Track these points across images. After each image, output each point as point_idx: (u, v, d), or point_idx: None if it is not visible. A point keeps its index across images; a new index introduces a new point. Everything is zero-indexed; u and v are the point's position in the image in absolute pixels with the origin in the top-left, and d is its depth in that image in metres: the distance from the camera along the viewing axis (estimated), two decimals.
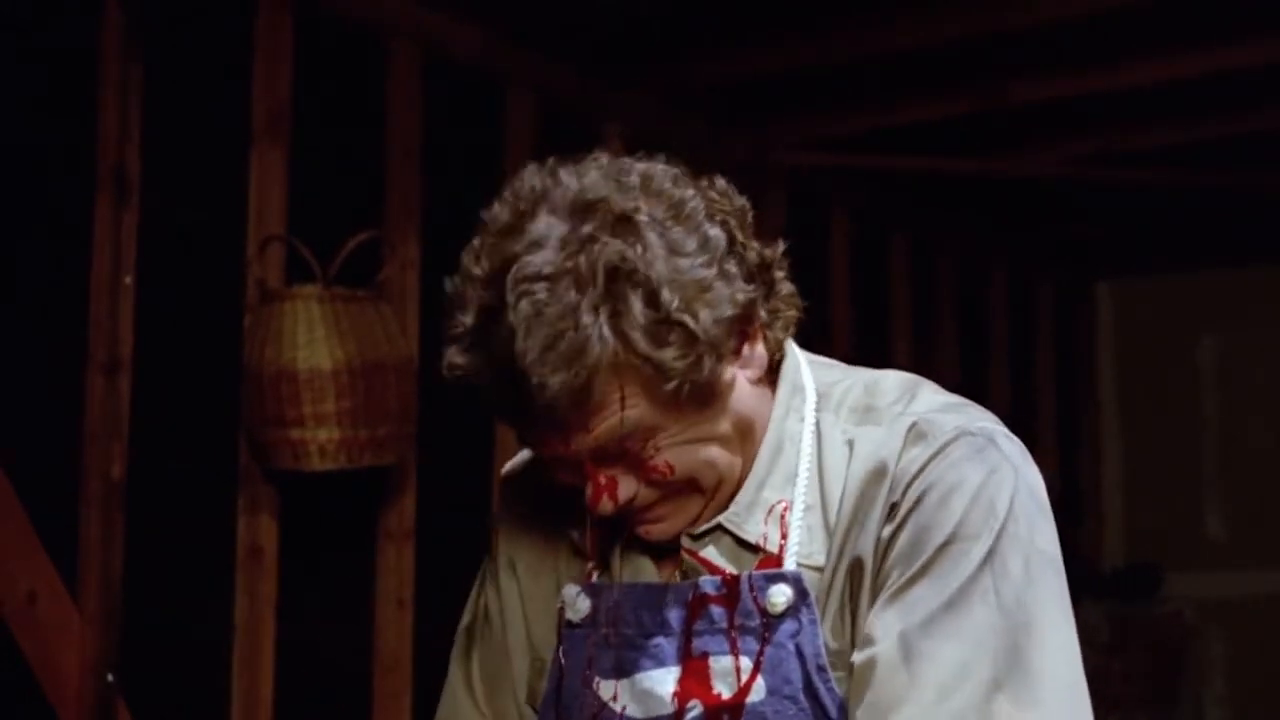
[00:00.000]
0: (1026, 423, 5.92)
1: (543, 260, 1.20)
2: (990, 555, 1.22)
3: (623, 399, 1.21)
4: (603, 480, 1.26)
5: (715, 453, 1.28)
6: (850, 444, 1.31)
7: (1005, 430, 1.30)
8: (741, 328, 1.27)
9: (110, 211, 2.80)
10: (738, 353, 1.29)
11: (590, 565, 1.39)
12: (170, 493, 2.93)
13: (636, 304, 1.19)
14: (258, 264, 3.05)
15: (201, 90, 3.04)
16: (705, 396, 1.25)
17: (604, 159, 1.29)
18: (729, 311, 1.24)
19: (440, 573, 3.41)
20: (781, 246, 1.33)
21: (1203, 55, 3.80)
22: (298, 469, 2.94)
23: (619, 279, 1.19)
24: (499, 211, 1.29)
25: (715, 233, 1.25)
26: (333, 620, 3.28)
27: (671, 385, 1.21)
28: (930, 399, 1.33)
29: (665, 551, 1.35)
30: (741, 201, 1.32)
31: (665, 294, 1.19)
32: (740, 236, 1.28)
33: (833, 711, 1.25)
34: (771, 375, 1.35)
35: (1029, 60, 3.95)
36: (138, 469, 2.83)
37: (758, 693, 1.26)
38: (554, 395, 1.18)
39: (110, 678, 2.76)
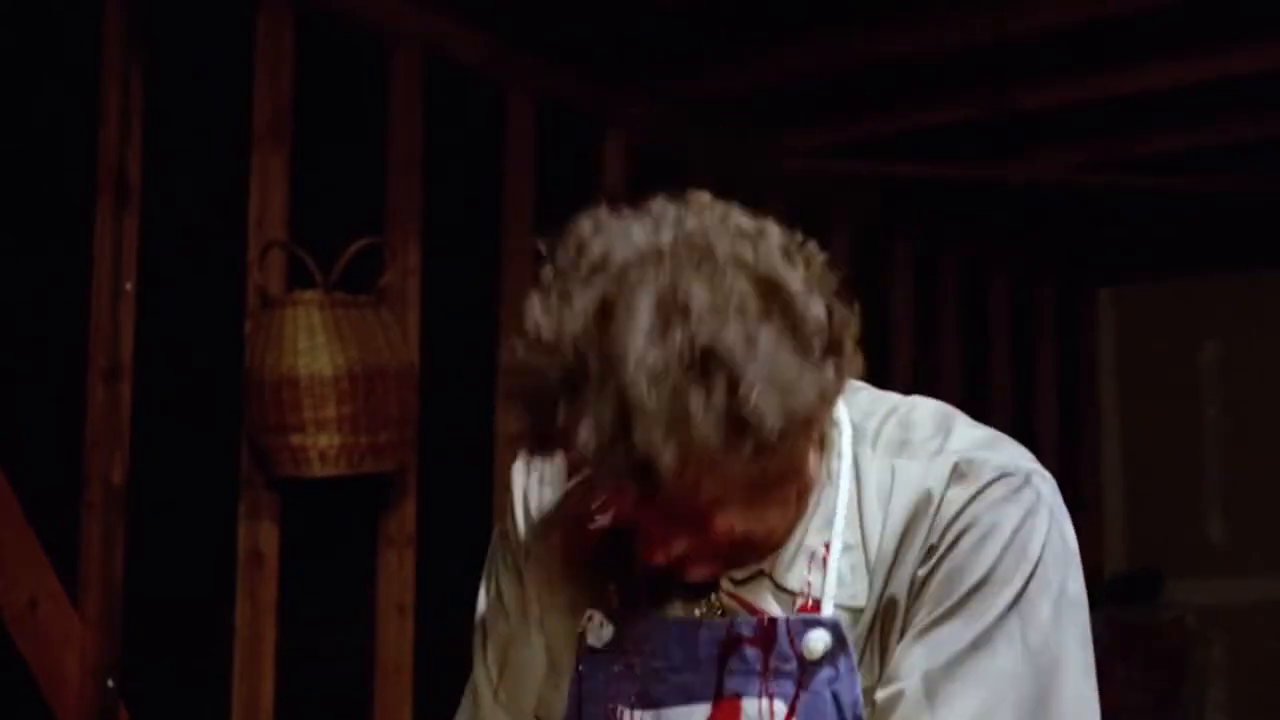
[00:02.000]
0: (1028, 428, 5.92)
1: (647, 348, 1.10)
2: (1019, 599, 1.21)
3: (700, 477, 1.14)
4: (658, 537, 1.23)
5: (774, 513, 1.26)
6: (889, 477, 1.29)
7: (1040, 468, 1.29)
8: (820, 413, 1.21)
9: (111, 217, 2.80)
10: (812, 434, 1.24)
11: (610, 588, 1.36)
12: (171, 498, 2.93)
13: (720, 392, 1.11)
14: (259, 270, 3.05)
15: (202, 95, 3.04)
16: (780, 476, 1.22)
17: (693, 203, 1.21)
18: (803, 407, 1.16)
19: (441, 579, 3.41)
20: (856, 309, 1.25)
21: (1206, 61, 3.80)
22: (299, 475, 2.94)
23: (710, 364, 1.11)
24: (575, 284, 1.16)
25: (815, 313, 1.18)
26: (333, 626, 3.28)
27: (745, 472, 1.15)
28: (967, 434, 1.31)
29: (698, 585, 1.32)
30: (829, 269, 1.24)
31: (743, 387, 1.11)
32: (835, 316, 1.21)
33: None
34: None
35: (1033, 67, 3.95)
36: (139, 475, 2.83)
37: None
38: (666, 479, 1.11)
39: (111, 683, 2.76)
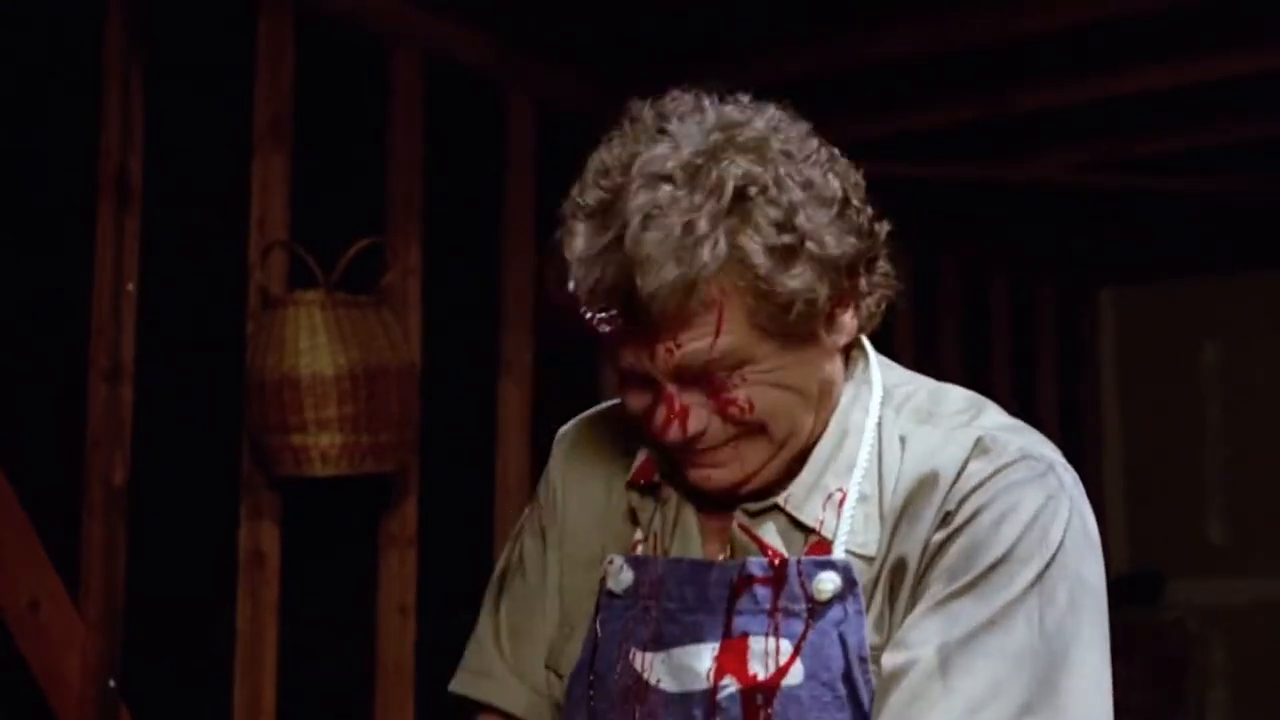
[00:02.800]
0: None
1: (674, 160, 1.21)
2: (1038, 580, 1.23)
3: (720, 318, 1.21)
4: (677, 406, 1.26)
5: (795, 403, 1.28)
6: (903, 441, 1.31)
7: (1064, 460, 1.31)
8: (849, 276, 1.28)
9: (112, 218, 2.80)
10: (834, 310, 1.29)
11: (636, 537, 1.39)
12: (172, 499, 2.93)
13: (765, 221, 1.20)
14: (260, 270, 3.05)
15: (204, 96, 3.04)
16: (802, 336, 1.26)
17: (745, 98, 1.33)
18: (852, 250, 1.26)
19: (442, 579, 3.41)
20: (887, 226, 1.34)
21: (1206, 62, 3.80)
22: (300, 475, 2.94)
23: (747, 197, 1.20)
24: (642, 111, 1.30)
25: (835, 184, 1.27)
26: (335, 626, 3.28)
27: (779, 307, 1.21)
28: (996, 418, 1.34)
29: (713, 529, 1.36)
30: (858, 176, 1.34)
31: (799, 218, 1.21)
32: (855, 200, 1.30)
33: (867, 704, 1.25)
34: (845, 361, 1.37)
35: (1033, 67, 3.95)
36: (140, 475, 2.83)
37: (795, 676, 1.27)
38: (656, 290, 1.17)
39: (112, 684, 2.76)
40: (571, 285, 1.22)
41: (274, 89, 3.12)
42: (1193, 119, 4.34)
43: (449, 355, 3.50)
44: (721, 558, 1.34)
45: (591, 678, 1.37)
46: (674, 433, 1.27)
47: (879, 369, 1.38)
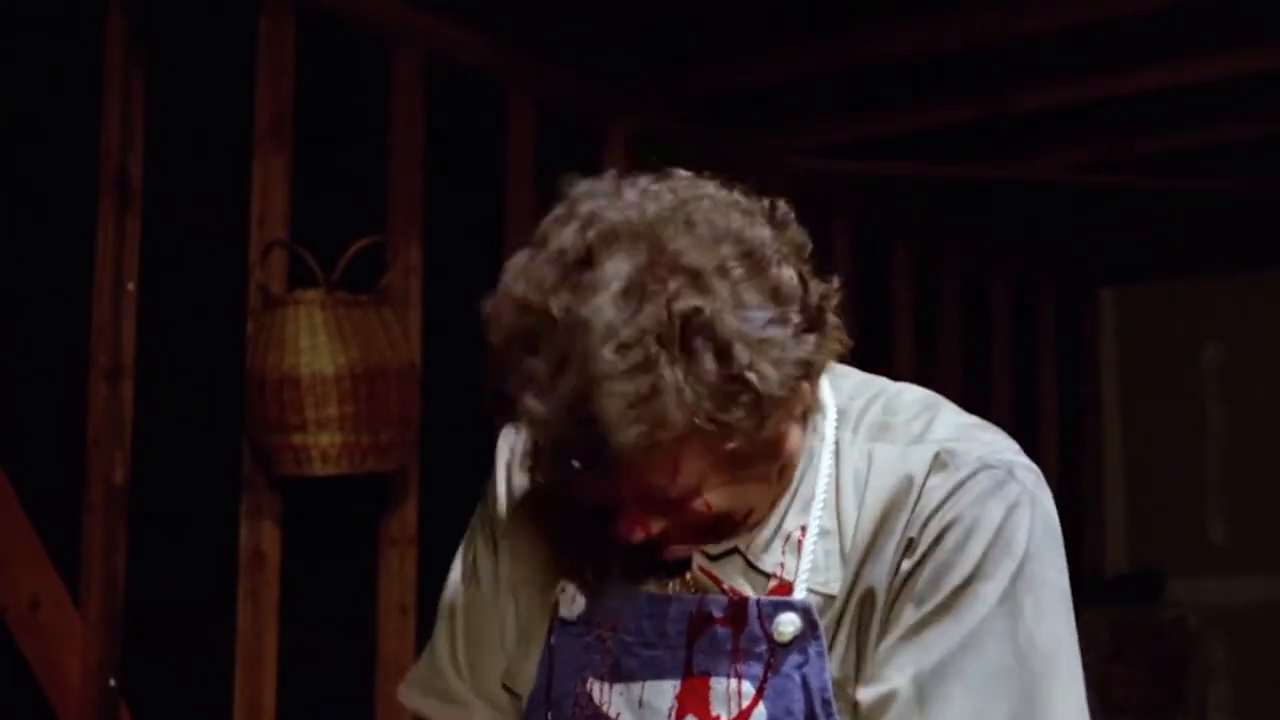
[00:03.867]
0: (1029, 429, 5.92)
1: (621, 311, 1.12)
2: (1005, 596, 1.21)
3: (679, 458, 1.16)
4: (636, 516, 1.23)
5: (755, 489, 1.25)
6: (866, 461, 1.28)
7: (1024, 459, 1.29)
8: (802, 381, 1.21)
9: (113, 217, 2.80)
10: (790, 400, 1.22)
11: (588, 562, 1.36)
12: (173, 498, 2.93)
13: (708, 360, 1.12)
14: (260, 269, 3.05)
15: (204, 96, 3.04)
16: (762, 452, 1.21)
17: (677, 179, 1.23)
18: (793, 371, 1.17)
19: (443, 579, 3.40)
20: (836, 282, 1.25)
21: (1207, 61, 3.80)
22: (300, 474, 2.93)
23: (691, 333, 1.12)
24: (562, 237, 1.19)
25: (787, 276, 1.18)
26: (335, 626, 3.28)
27: (732, 437, 1.15)
28: (949, 421, 1.30)
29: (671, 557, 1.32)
30: (804, 238, 1.25)
31: (737, 350, 1.13)
32: (804, 277, 1.21)
33: None
34: None
35: (1033, 67, 3.95)
36: (140, 475, 2.83)
37: (758, 719, 1.25)
38: (623, 446, 1.12)
39: (112, 683, 2.76)
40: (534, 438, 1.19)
41: (274, 88, 3.12)
42: (1194, 118, 4.34)
43: (449, 355, 3.50)
44: (671, 588, 1.31)
45: (549, 705, 1.35)
46: (636, 537, 1.24)
47: (829, 388, 1.32)
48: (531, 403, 1.15)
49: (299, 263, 3.04)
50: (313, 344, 2.90)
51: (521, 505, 1.44)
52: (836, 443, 1.30)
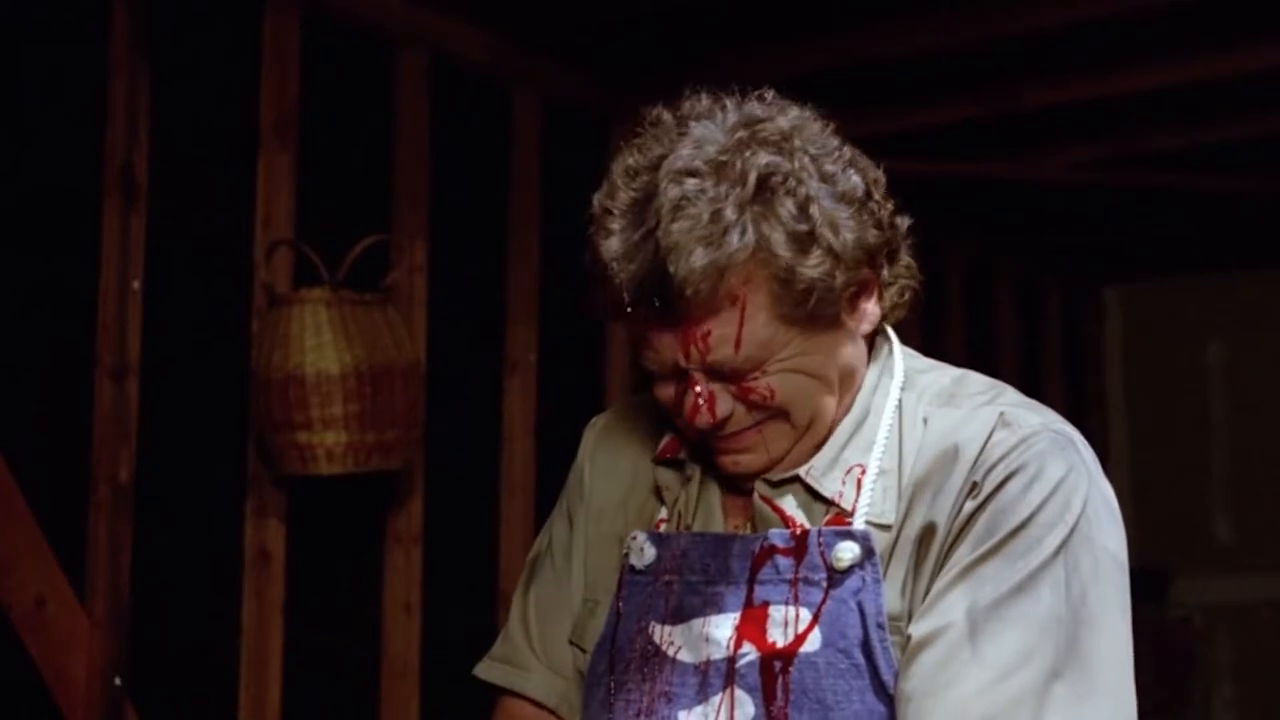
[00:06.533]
0: None
1: (699, 157, 1.27)
2: (1063, 547, 1.26)
3: (744, 306, 1.25)
4: (704, 392, 1.30)
5: (816, 389, 1.32)
6: (926, 421, 1.35)
7: (1083, 439, 1.35)
8: (869, 265, 1.33)
9: (118, 216, 2.80)
10: (857, 297, 1.34)
11: (660, 515, 1.43)
12: (178, 497, 2.93)
13: (785, 211, 1.26)
14: (265, 268, 3.05)
15: (209, 95, 3.04)
16: (823, 322, 1.30)
17: (768, 94, 1.39)
18: (860, 247, 1.30)
19: (448, 577, 3.41)
20: (908, 220, 1.40)
21: (1213, 59, 3.80)
22: (305, 473, 2.94)
23: (769, 186, 1.26)
24: (662, 115, 1.36)
25: (856, 179, 1.34)
26: (341, 625, 3.28)
27: (799, 295, 1.25)
28: (1016, 397, 1.38)
29: (736, 505, 1.39)
30: (879, 173, 1.39)
31: (814, 208, 1.27)
32: (876, 194, 1.36)
33: (885, 671, 1.27)
34: (869, 348, 1.40)
35: (1039, 65, 3.94)
36: (146, 474, 2.83)
37: (813, 643, 1.29)
38: (687, 275, 1.22)
39: (118, 682, 2.76)
40: (608, 279, 1.27)
41: (280, 87, 3.12)
42: (1199, 117, 4.33)
43: (455, 353, 3.51)
44: (743, 532, 1.38)
45: (612, 652, 1.40)
46: (702, 418, 1.31)
47: (902, 356, 1.42)
48: (611, 241, 1.27)
49: (304, 261, 3.04)
50: (318, 342, 2.90)
51: (599, 473, 1.51)
52: (900, 401, 1.38)
